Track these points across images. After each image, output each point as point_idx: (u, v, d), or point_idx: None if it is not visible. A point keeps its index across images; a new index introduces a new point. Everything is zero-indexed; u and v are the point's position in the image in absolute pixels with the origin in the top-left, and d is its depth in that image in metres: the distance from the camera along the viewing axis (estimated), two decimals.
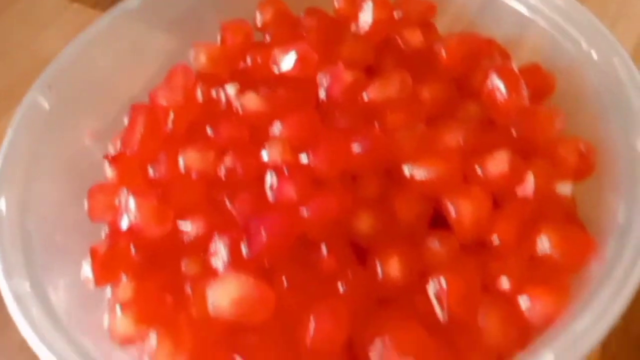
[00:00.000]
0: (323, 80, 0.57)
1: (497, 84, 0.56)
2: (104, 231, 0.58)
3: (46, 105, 0.59)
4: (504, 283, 0.49)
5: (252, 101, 0.58)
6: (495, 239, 0.50)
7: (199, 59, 0.65)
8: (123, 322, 0.50)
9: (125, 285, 0.53)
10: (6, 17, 0.90)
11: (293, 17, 0.68)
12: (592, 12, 0.59)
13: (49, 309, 0.48)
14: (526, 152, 0.54)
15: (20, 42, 0.87)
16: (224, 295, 0.48)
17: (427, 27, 0.64)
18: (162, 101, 0.60)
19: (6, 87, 0.81)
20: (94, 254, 0.53)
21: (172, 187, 0.56)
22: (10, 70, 0.83)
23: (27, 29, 0.88)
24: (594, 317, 0.43)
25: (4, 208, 0.53)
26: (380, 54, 0.62)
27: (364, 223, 0.52)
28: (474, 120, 0.57)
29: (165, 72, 0.63)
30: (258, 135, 0.56)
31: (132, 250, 0.54)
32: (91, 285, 0.53)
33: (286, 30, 0.65)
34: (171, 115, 0.59)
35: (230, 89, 0.59)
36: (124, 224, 0.54)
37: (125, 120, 0.60)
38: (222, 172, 0.55)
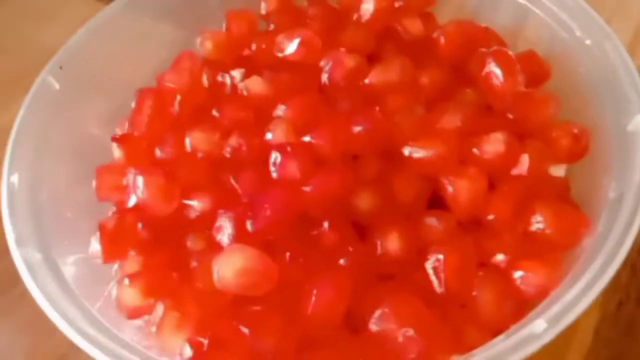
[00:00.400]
0: (325, 65, 0.59)
1: (494, 68, 0.57)
2: (111, 210, 0.60)
3: (57, 85, 0.60)
4: (499, 258, 0.51)
5: (256, 84, 0.60)
6: (490, 217, 0.52)
7: (205, 45, 0.66)
8: (130, 295, 0.52)
9: (133, 260, 0.54)
10: (11, 9, 0.92)
11: (297, 7, 0.69)
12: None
13: (59, 278, 0.50)
14: (522, 135, 0.55)
15: (25, 34, 0.89)
16: (228, 267, 0.49)
17: (426, 16, 0.66)
18: (169, 84, 0.62)
19: (13, 78, 0.81)
20: (102, 229, 0.55)
21: (179, 166, 0.57)
22: (17, 62, 0.84)
23: (32, 21, 0.90)
24: (584, 286, 0.44)
25: (16, 182, 0.54)
26: (381, 42, 0.64)
27: (364, 201, 0.54)
28: (471, 105, 0.58)
29: (171, 59, 0.65)
30: (262, 118, 0.58)
31: (139, 226, 0.55)
32: (100, 260, 0.55)
33: (290, 18, 0.67)
34: (178, 98, 0.61)
35: (236, 74, 0.61)
36: (131, 202, 0.56)
37: (133, 104, 0.61)
38: (227, 152, 0.57)
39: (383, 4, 0.65)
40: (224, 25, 0.68)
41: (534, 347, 0.43)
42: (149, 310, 0.52)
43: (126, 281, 0.52)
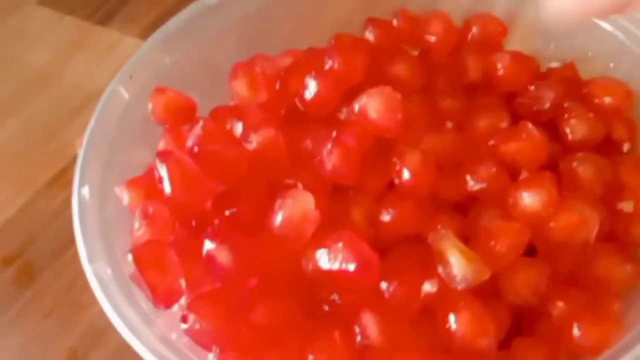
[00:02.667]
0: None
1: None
2: None
3: (126, 95, 0.61)
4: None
5: None
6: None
7: None
8: None
9: None
10: (0, 32, 0.93)
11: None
12: None
13: (130, 296, 0.51)
14: None
15: (15, 56, 0.89)
16: None
17: (495, 47, 0.66)
18: None
19: (2, 98, 0.83)
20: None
21: None
22: (7, 83, 0.86)
23: (22, 42, 0.91)
24: None
25: (87, 195, 0.55)
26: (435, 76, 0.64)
27: None
28: None
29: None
30: None
31: None
32: None
33: None
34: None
35: None
36: None
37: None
38: None
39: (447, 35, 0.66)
40: None
41: None
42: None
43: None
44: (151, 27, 0.84)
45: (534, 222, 0.52)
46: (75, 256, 0.53)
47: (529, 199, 0.52)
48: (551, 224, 0.52)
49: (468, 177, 0.56)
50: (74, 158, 0.60)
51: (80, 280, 0.62)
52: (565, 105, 0.60)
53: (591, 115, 0.59)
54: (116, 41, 0.90)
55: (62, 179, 0.77)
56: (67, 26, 0.92)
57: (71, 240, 0.54)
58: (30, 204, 0.75)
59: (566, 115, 0.60)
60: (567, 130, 0.60)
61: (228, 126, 0.58)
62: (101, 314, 0.49)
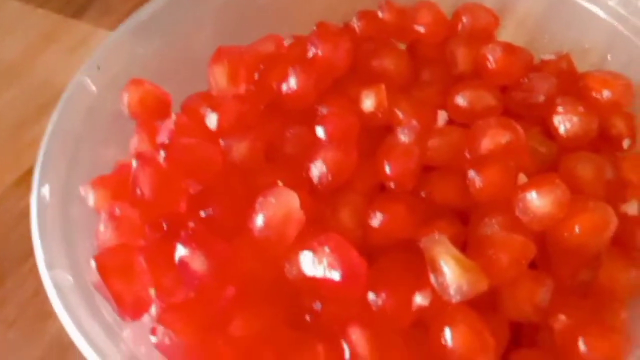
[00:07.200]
0: None
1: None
2: None
3: (93, 87, 0.57)
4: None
5: None
6: None
7: None
8: None
9: None
10: None
11: None
12: None
13: (93, 307, 0.46)
14: None
15: None
16: None
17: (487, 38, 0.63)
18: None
19: None
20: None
21: None
22: None
23: None
24: None
25: (47, 195, 0.51)
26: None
27: None
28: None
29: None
30: None
31: None
32: None
33: None
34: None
35: None
36: None
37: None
38: None
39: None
40: None
41: None
42: None
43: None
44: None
45: (546, 225, 0.48)
46: None
47: (540, 200, 0.48)
48: (565, 227, 0.48)
49: (470, 173, 0.51)
50: None
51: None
52: (557, 100, 0.57)
53: (581, 108, 0.56)
54: (89, 34, 0.87)
55: (29, 179, 0.73)
56: (38, 19, 0.89)
57: None
58: None
59: (557, 111, 0.56)
60: (558, 125, 0.56)
61: (202, 112, 0.55)
62: None
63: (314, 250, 0.45)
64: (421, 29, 0.64)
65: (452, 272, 0.44)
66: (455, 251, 0.45)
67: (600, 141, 0.57)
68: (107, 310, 0.47)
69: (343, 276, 0.44)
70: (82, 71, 0.57)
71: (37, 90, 0.81)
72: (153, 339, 0.45)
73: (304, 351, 0.45)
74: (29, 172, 0.71)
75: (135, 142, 0.56)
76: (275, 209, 0.47)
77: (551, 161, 0.55)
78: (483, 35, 0.64)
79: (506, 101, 0.59)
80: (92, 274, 0.47)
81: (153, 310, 0.49)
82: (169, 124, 0.54)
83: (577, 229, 0.48)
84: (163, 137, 0.52)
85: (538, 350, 0.48)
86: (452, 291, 0.44)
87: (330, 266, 0.44)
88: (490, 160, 0.51)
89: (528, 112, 0.58)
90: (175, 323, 0.44)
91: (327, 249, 0.45)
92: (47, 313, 0.61)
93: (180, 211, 0.51)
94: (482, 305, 0.46)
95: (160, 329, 0.44)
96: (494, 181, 0.50)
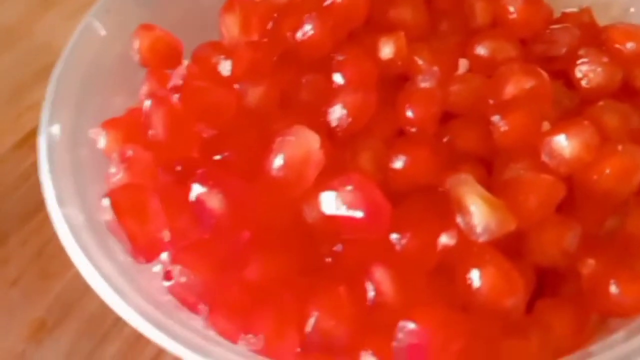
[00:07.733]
0: None
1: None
2: None
3: (103, 31, 0.55)
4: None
5: None
6: None
7: None
8: None
9: None
10: None
11: None
12: None
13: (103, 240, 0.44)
14: None
15: None
16: None
17: None
18: None
19: None
20: None
21: None
22: None
23: None
24: None
25: (58, 134, 0.49)
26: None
27: None
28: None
29: None
30: None
31: None
32: None
33: None
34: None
35: None
36: None
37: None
38: None
39: None
40: None
41: None
42: None
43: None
44: None
45: (574, 169, 0.47)
46: (44, 222, 0.48)
47: (568, 143, 0.47)
48: (594, 171, 0.47)
49: (494, 118, 0.49)
50: None
51: (49, 248, 0.61)
52: (579, 52, 0.56)
53: (605, 59, 0.55)
54: None
55: (29, 142, 0.72)
56: None
57: (40, 206, 0.49)
58: None
59: (579, 62, 0.55)
60: (580, 77, 0.55)
61: (214, 61, 0.53)
62: (72, 283, 0.43)
63: (335, 189, 0.43)
64: None
65: (479, 211, 0.43)
66: (482, 190, 0.43)
67: (623, 94, 0.56)
68: (120, 253, 0.46)
69: (366, 214, 0.42)
70: (92, 13, 0.56)
71: (37, 54, 0.80)
72: (166, 284, 0.43)
73: (325, 293, 0.43)
74: (29, 135, 0.72)
75: (145, 89, 0.54)
76: (294, 148, 0.45)
77: (574, 113, 0.54)
78: None
79: (526, 54, 0.57)
80: (104, 215, 0.45)
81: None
82: (180, 72, 0.52)
83: (606, 173, 0.46)
84: (176, 80, 0.50)
85: (564, 299, 0.46)
86: (479, 229, 0.42)
87: (353, 205, 0.43)
88: (515, 104, 0.49)
89: (549, 65, 0.56)
90: (190, 262, 0.43)
91: (349, 188, 0.43)
92: (50, 273, 0.61)
93: (194, 157, 0.49)
94: (505, 250, 0.44)
95: (176, 268, 0.42)
96: (519, 126, 0.49)
